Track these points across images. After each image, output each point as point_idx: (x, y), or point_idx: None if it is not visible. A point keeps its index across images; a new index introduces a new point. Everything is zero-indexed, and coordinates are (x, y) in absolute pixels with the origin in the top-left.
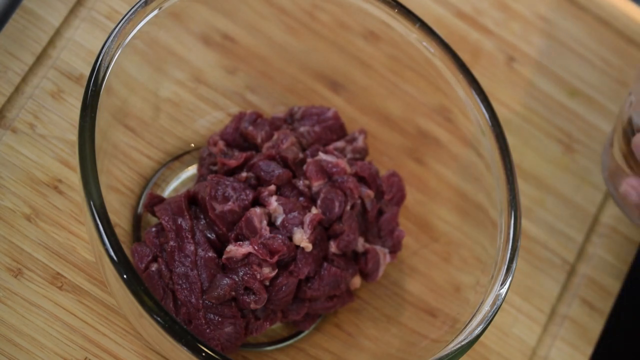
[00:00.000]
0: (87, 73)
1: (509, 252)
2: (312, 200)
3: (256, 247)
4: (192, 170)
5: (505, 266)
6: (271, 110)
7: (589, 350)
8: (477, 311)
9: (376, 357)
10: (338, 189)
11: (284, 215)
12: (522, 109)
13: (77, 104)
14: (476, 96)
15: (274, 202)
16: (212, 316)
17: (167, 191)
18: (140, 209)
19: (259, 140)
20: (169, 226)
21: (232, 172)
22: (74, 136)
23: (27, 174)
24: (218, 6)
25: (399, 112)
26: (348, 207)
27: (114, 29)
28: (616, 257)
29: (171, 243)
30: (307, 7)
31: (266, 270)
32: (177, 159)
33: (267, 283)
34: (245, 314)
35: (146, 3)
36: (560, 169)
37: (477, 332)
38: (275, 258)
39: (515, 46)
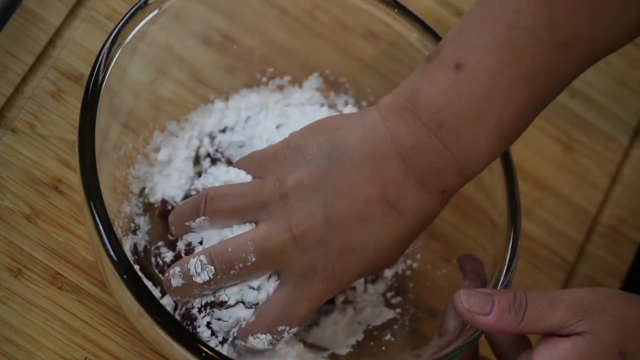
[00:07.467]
0: (87, 73)
1: (509, 252)
2: None
3: None
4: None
5: (505, 266)
6: None
7: None
8: None
9: (377, 357)
10: None
11: None
12: None
13: (77, 104)
14: None
15: None
16: None
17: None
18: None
19: None
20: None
21: None
22: (74, 136)
23: (27, 174)
24: (218, 6)
25: None
26: None
27: (114, 29)
28: (616, 257)
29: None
30: (307, 7)
31: None
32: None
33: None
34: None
35: (146, 3)
36: (560, 169)
37: (477, 332)
38: None
39: None
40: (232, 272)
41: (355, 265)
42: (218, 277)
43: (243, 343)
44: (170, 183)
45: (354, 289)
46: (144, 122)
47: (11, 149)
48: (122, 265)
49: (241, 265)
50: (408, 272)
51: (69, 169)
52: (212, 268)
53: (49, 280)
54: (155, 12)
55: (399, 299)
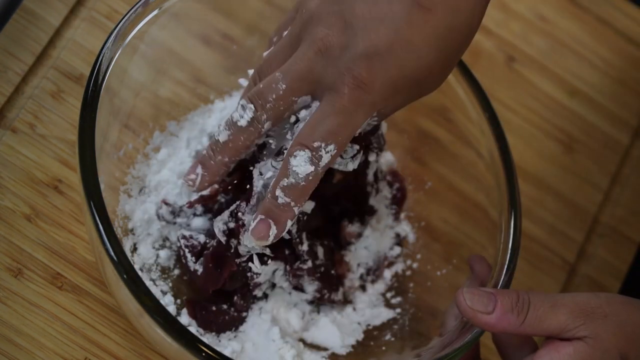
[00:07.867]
0: (87, 73)
1: (509, 252)
2: None
3: None
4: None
5: (506, 266)
6: None
7: None
8: None
9: (377, 357)
10: None
11: None
12: (522, 109)
13: (77, 104)
14: (476, 96)
15: None
16: None
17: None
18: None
19: None
20: None
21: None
22: (74, 136)
23: (27, 174)
24: (218, 6)
25: (399, 112)
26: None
27: (114, 28)
28: (616, 257)
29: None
30: None
31: None
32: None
33: None
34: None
35: (146, 3)
36: (560, 169)
37: (477, 332)
38: None
39: (515, 46)
40: (268, 105)
41: (385, 70)
42: (258, 113)
43: (286, 178)
44: (170, 183)
45: (354, 289)
46: (144, 122)
47: (11, 149)
48: (122, 265)
49: (274, 95)
50: (408, 272)
51: (69, 169)
52: (252, 106)
53: (49, 280)
54: (155, 12)
55: (399, 299)
